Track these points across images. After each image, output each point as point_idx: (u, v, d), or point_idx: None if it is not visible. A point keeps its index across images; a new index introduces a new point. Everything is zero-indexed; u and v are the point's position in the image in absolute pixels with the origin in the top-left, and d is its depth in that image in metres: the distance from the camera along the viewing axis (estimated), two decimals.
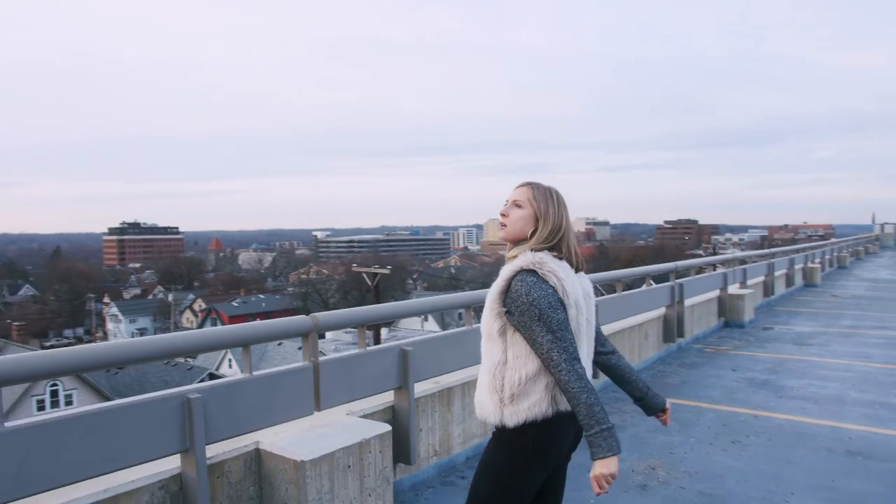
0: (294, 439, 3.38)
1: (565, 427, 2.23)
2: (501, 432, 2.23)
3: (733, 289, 11.06)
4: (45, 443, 2.57)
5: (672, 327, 8.30)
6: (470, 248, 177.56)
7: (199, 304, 72.25)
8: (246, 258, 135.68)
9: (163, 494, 2.95)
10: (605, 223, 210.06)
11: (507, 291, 2.16)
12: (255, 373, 3.33)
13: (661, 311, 8.30)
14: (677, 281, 8.54)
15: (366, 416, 3.94)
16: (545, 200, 2.29)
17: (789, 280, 15.70)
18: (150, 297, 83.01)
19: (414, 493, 4.22)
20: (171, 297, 70.84)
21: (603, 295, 7.06)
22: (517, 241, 2.30)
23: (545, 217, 2.26)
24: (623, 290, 7.24)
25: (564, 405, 2.16)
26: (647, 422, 5.64)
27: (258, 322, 3.46)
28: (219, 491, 3.17)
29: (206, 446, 3.17)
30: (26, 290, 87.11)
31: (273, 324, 3.47)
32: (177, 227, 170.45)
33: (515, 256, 2.24)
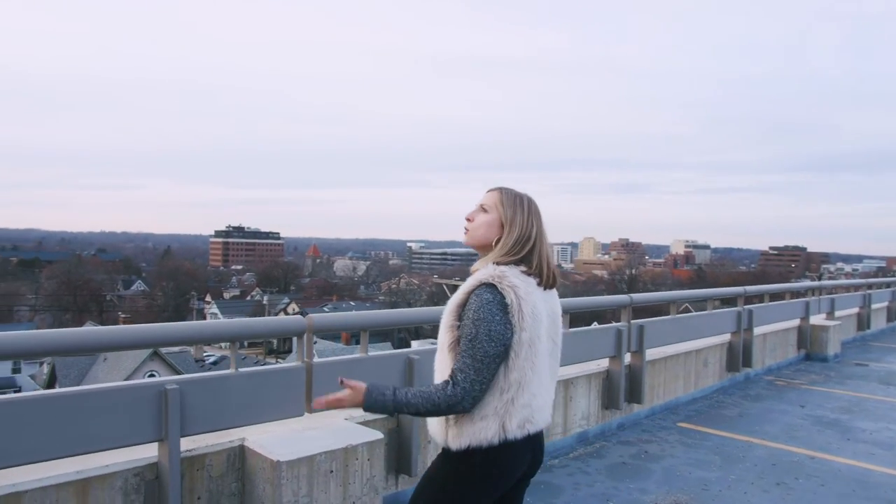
0: (278, 439, 3.34)
1: (517, 455, 2.09)
2: (447, 452, 2.10)
3: (817, 319, 10.26)
4: (12, 420, 2.64)
5: (737, 356, 7.76)
6: (564, 265, 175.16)
7: (293, 308, 74.82)
8: (341, 265, 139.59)
9: (137, 481, 2.97)
10: (706, 247, 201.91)
11: (464, 305, 2.03)
12: (242, 370, 3.33)
13: (726, 337, 7.79)
14: (746, 307, 8.00)
15: (366, 423, 3.86)
16: (513, 206, 2.15)
17: (892, 314, 14.46)
18: (248, 298, 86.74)
19: None
20: (265, 300, 73.75)
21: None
22: (482, 249, 2.18)
23: (511, 224, 2.13)
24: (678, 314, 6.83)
25: (514, 433, 2.03)
26: (688, 455, 5.28)
27: (253, 319, 3.47)
28: (198, 483, 3.17)
29: (191, 438, 3.21)
30: (138, 286, 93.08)
31: (268, 321, 3.47)
32: (278, 233, 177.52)
33: (478, 270, 2.10)
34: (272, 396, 3.41)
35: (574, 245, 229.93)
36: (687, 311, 7.03)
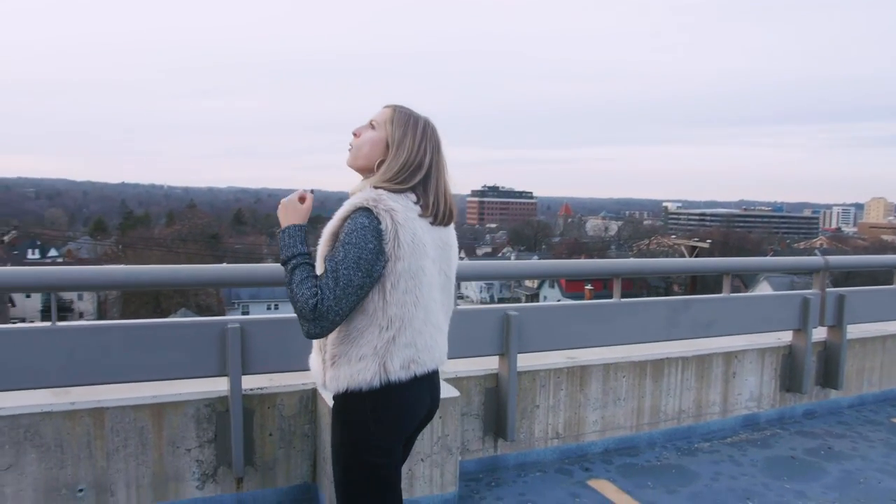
0: None
1: (406, 397, 1.89)
2: (334, 399, 1.93)
3: None
4: (91, 343, 2.93)
5: None
6: (844, 229, 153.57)
7: None
8: (593, 225, 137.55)
9: (208, 412, 3.14)
10: None
11: (339, 234, 1.82)
12: None
13: None
14: None
15: (457, 379, 3.67)
16: (403, 126, 1.90)
17: None
18: (499, 255, 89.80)
19: (518, 472, 3.83)
20: (513, 257, 75.67)
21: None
22: (364, 172, 1.94)
23: (398, 147, 1.88)
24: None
25: (397, 375, 1.84)
26: (887, 459, 4.27)
27: None
28: (269, 421, 3.26)
29: (268, 376, 3.33)
30: None
31: None
32: (531, 192, 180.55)
33: (355, 193, 1.88)
34: None
35: (859, 206, 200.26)
36: None
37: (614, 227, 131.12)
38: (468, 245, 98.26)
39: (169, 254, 49.14)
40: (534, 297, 57.56)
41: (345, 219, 1.82)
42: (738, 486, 3.81)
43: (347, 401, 1.87)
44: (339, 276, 1.73)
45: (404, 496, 3.22)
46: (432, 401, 2.02)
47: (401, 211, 1.80)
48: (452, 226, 2.02)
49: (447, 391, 3.35)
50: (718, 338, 4.53)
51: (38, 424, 2.89)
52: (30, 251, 63.40)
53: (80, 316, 44.41)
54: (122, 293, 39.71)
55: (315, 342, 1.95)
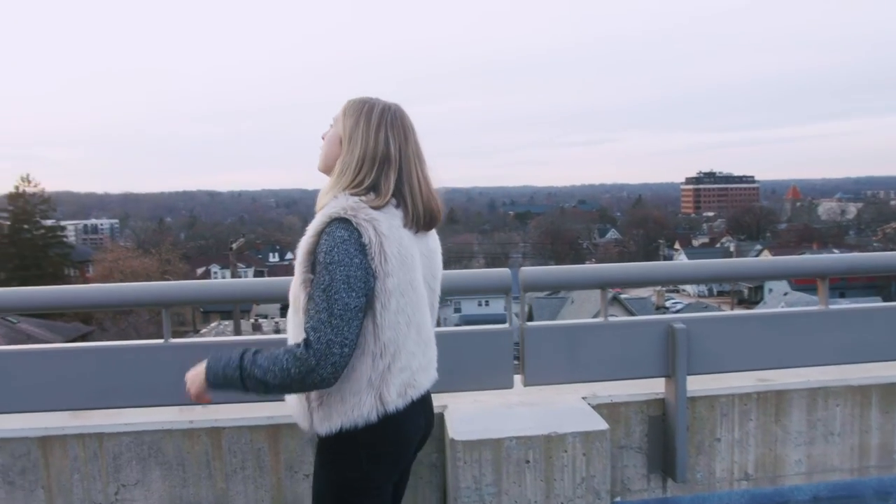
0: (474, 413, 2.91)
1: (404, 425, 1.73)
2: (319, 442, 1.77)
3: None
4: (200, 360, 2.81)
5: None
6: None
7: (765, 255, 69.12)
8: (826, 208, 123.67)
9: None
10: None
11: (315, 250, 1.59)
12: (436, 329, 2.95)
13: None
14: None
15: (619, 405, 3.09)
16: (355, 116, 1.63)
17: None
18: (717, 245, 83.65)
19: None
20: (733, 247, 70.02)
21: None
22: (330, 174, 1.72)
23: (350, 138, 1.62)
24: None
25: (395, 404, 1.67)
26: None
27: (448, 273, 3.05)
28: None
29: None
30: (612, 234, 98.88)
31: (465, 275, 3.01)
32: (752, 176, 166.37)
33: (324, 204, 1.64)
34: (475, 363, 2.97)
35: None
36: None
37: (853, 209, 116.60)
38: (683, 236, 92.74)
39: None
40: (757, 289, 52.79)
41: (319, 234, 1.57)
42: None
43: (338, 442, 1.67)
44: (331, 303, 1.51)
45: None
46: (427, 422, 1.86)
47: (383, 220, 1.59)
48: (434, 233, 1.76)
49: (594, 423, 2.80)
50: None
51: (160, 441, 2.85)
52: (271, 255, 71.52)
53: None
54: None
55: None
